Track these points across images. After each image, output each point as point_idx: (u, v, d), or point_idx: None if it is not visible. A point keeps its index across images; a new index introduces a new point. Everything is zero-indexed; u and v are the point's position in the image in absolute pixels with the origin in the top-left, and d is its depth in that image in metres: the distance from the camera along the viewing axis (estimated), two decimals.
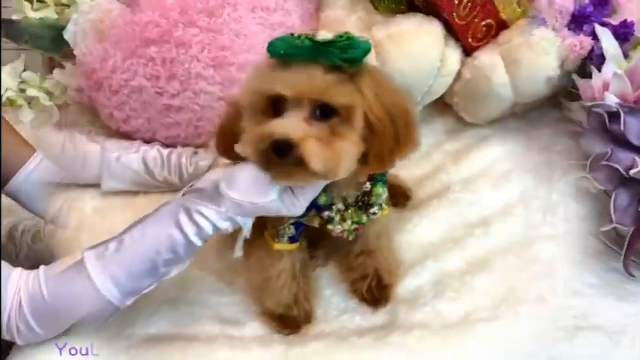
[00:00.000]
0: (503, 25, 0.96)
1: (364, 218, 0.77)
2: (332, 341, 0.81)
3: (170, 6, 0.89)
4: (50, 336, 0.74)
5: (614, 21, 0.91)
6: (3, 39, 0.94)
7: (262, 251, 0.80)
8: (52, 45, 0.95)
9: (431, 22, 0.94)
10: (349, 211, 0.75)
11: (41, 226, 0.97)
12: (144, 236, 0.70)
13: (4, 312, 0.69)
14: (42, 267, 0.72)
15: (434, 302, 0.85)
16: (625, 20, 0.90)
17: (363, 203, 0.76)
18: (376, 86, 0.64)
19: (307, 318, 0.85)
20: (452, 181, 1.00)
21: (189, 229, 0.69)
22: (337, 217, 0.75)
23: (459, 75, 0.98)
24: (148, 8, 0.89)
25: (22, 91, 0.99)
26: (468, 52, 0.98)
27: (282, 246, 0.79)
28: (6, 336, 0.72)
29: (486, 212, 0.96)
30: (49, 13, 0.91)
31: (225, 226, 0.70)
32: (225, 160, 0.87)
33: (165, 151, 0.95)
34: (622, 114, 0.84)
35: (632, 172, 0.83)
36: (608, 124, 0.86)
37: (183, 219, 0.69)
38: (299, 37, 0.61)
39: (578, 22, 0.91)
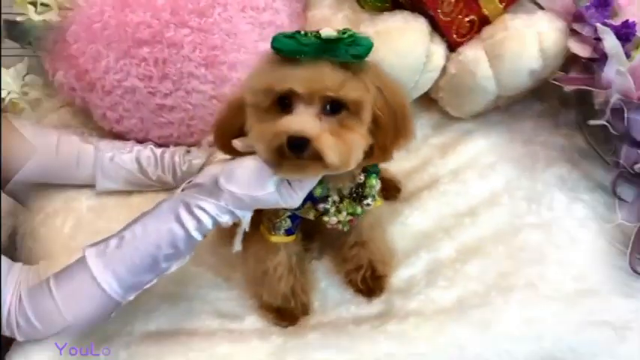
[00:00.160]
0: (485, 21, 0.99)
1: (359, 209, 0.79)
2: (330, 331, 0.84)
3: (161, 7, 0.90)
4: (50, 333, 0.74)
5: (616, 22, 0.93)
6: (6, 41, 0.94)
7: (259, 245, 0.82)
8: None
9: (417, 19, 0.96)
10: (344, 202, 0.77)
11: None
12: (145, 232, 0.71)
13: (4, 306, 0.70)
14: (42, 262, 0.73)
15: (427, 290, 0.88)
16: (627, 21, 0.93)
17: (358, 195, 0.78)
18: (378, 81, 0.67)
19: (304, 310, 0.87)
20: (440, 173, 1.02)
21: (190, 224, 0.70)
22: (333, 209, 0.77)
23: (444, 70, 1.01)
24: (139, 9, 0.90)
25: (25, 94, 0.99)
26: (452, 47, 1.01)
27: (278, 239, 0.81)
28: (6, 331, 0.72)
29: (474, 202, 0.99)
30: (53, 16, 0.92)
31: (225, 219, 0.71)
32: (219, 157, 0.89)
33: (159, 151, 0.96)
34: (626, 111, 0.87)
35: (637, 167, 0.86)
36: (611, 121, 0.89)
37: (184, 214, 0.70)
38: (305, 34, 0.62)
39: (579, 23, 0.95)
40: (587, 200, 0.97)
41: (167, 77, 0.92)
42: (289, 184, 0.69)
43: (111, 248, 0.71)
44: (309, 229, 0.87)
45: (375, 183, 0.78)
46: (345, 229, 0.81)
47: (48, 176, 0.95)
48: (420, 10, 0.97)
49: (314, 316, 0.87)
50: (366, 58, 0.65)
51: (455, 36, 0.99)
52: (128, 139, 0.99)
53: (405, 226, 0.96)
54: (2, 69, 0.98)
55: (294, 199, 0.70)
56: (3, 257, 0.71)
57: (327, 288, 0.90)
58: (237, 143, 0.71)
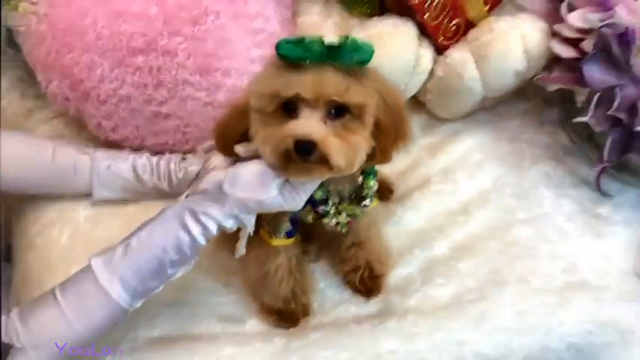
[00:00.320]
0: (470, 24, 1.02)
1: (357, 211, 0.81)
2: (331, 330, 0.85)
3: (154, 16, 0.90)
4: (54, 343, 0.72)
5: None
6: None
7: (259, 248, 0.83)
8: None
9: (405, 24, 0.98)
10: (344, 204, 0.79)
11: None
12: (151, 238, 0.72)
13: (3, 313, 0.70)
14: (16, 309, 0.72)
15: (424, 288, 0.90)
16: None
17: (356, 196, 0.80)
18: (379, 85, 0.69)
19: (305, 311, 0.88)
20: (431, 173, 1.05)
21: (196, 230, 0.71)
22: (332, 211, 0.79)
23: (431, 73, 1.03)
24: (132, 19, 0.90)
25: None
26: (439, 51, 1.03)
27: (279, 241, 0.82)
28: (4, 338, 0.72)
29: (465, 200, 1.02)
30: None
31: (230, 224, 0.72)
32: (214, 164, 0.90)
33: (154, 158, 0.97)
34: (632, 39, 0.88)
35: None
36: (614, 50, 0.90)
37: (189, 220, 0.71)
38: (310, 41, 0.64)
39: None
40: (574, 195, 1.01)
41: (162, 85, 0.92)
42: (292, 186, 0.71)
43: (117, 256, 0.71)
44: (306, 231, 0.89)
45: (373, 184, 0.80)
46: (344, 230, 0.83)
47: (44, 187, 0.95)
48: (407, 14, 0.99)
49: (314, 317, 0.89)
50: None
51: (442, 39, 1.01)
52: (123, 148, 0.99)
53: (400, 226, 0.98)
54: None
55: (297, 201, 0.72)
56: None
57: (326, 289, 0.92)
58: (239, 149, 0.72)
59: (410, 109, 1.14)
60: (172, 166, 0.96)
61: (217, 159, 0.91)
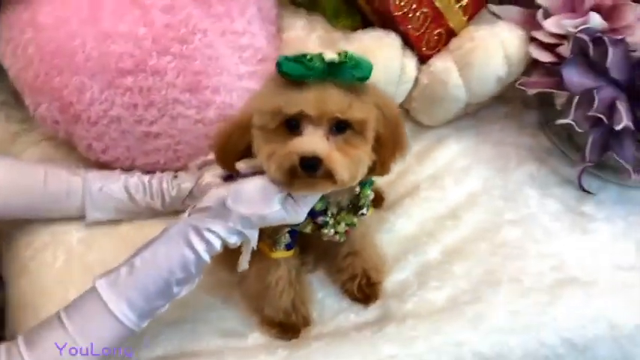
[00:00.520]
0: (452, 33, 1.06)
1: (355, 220, 0.82)
2: (332, 339, 0.86)
3: (142, 36, 0.91)
4: None
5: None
6: None
7: (259, 262, 0.84)
8: None
9: (389, 35, 1.01)
10: (342, 214, 0.81)
11: None
12: (155, 258, 0.72)
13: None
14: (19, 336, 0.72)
15: (420, 292, 0.92)
16: None
17: (354, 206, 0.81)
18: (377, 99, 0.71)
19: (305, 322, 0.89)
20: (419, 179, 1.07)
21: (200, 247, 0.72)
22: (331, 221, 0.80)
23: (416, 82, 1.06)
24: (120, 40, 0.91)
25: None
26: (423, 60, 1.06)
27: (279, 254, 0.83)
28: None
29: (454, 205, 1.04)
30: None
31: (234, 240, 0.73)
32: (207, 180, 0.91)
33: (146, 177, 0.97)
34: (607, 42, 0.92)
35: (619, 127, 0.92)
36: (591, 53, 0.94)
37: (194, 238, 0.72)
38: (311, 58, 0.65)
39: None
40: (558, 195, 1.04)
41: (152, 104, 0.93)
42: (294, 200, 0.72)
43: (122, 277, 0.71)
44: (303, 242, 0.90)
45: (370, 193, 0.81)
46: (342, 239, 0.84)
47: (36, 211, 0.94)
48: (390, 26, 1.02)
49: (315, 327, 0.90)
50: None
51: (425, 49, 1.04)
52: (114, 169, 0.99)
53: (392, 233, 1.00)
54: None
55: (299, 214, 0.73)
56: None
57: (325, 298, 0.93)
58: (241, 166, 0.73)
59: None
60: (165, 184, 0.96)
61: (210, 175, 0.92)
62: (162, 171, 0.99)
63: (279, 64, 0.66)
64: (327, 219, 0.80)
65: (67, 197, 0.93)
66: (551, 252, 0.96)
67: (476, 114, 1.16)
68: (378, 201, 1.02)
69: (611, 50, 0.92)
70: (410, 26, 1.01)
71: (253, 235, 0.74)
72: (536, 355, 0.87)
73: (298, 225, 0.80)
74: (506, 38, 1.01)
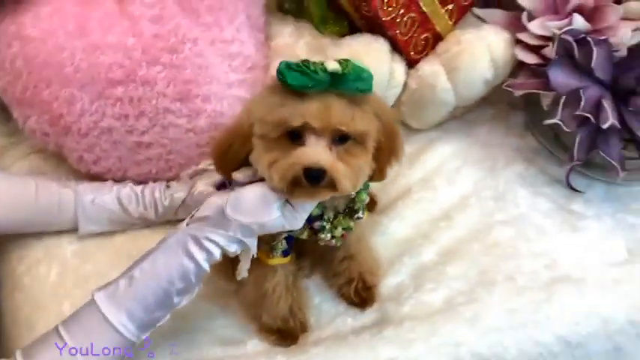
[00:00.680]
0: (438, 37, 1.07)
1: (351, 224, 0.83)
2: (331, 343, 0.86)
3: (132, 46, 0.91)
4: None
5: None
6: None
7: (256, 269, 0.83)
8: None
9: (377, 40, 1.02)
10: (339, 218, 0.81)
11: None
12: (154, 269, 0.72)
13: None
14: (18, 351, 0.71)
15: (417, 294, 0.92)
16: None
17: (349, 210, 0.82)
18: (377, 108, 0.71)
19: (303, 328, 0.89)
20: (411, 182, 1.08)
21: (200, 256, 0.72)
22: (328, 226, 0.81)
23: (405, 86, 1.07)
24: (109, 50, 0.90)
25: None
26: (411, 64, 1.07)
27: (276, 261, 0.83)
28: None
29: (446, 206, 1.05)
30: None
31: (234, 249, 0.73)
32: (199, 189, 0.91)
33: (138, 188, 0.96)
34: (592, 43, 0.94)
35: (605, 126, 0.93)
36: (576, 54, 0.96)
37: (193, 248, 0.71)
38: (314, 69, 0.65)
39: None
40: (548, 194, 1.05)
41: (143, 114, 0.93)
42: (292, 207, 0.72)
43: (121, 289, 0.71)
44: (299, 248, 0.90)
45: (365, 197, 0.82)
46: (338, 244, 0.84)
47: (27, 225, 0.93)
48: (378, 31, 1.03)
49: (313, 333, 0.90)
50: None
51: (413, 53, 1.05)
52: (106, 180, 0.98)
53: (387, 236, 1.00)
54: None
55: (297, 220, 0.73)
56: None
57: (322, 303, 0.93)
58: (238, 175, 0.73)
59: None
60: (157, 194, 0.96)
61: (202, 184, 0.93)
62: (155, 181, 0.99)
63: (281, 74, 0.66)
64: (324, 224, 0.80)
65: (59, 210, 0.92)
66: (544, 250, 0.97)
67: (464, 117, 1.17)
68: (371, 205, 1.03)
69: (595, 50, 0.93)
70: (398, 31, 1.02)
71: (253, 244, 0.74)
72: (531, 353, 0.88)
73: (295, 231, 0.81)
74: (492, 41, 1.03)
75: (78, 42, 0.90)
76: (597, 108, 0.96)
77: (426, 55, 1.07)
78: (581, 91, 0.95)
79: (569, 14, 1.01)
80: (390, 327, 0.88)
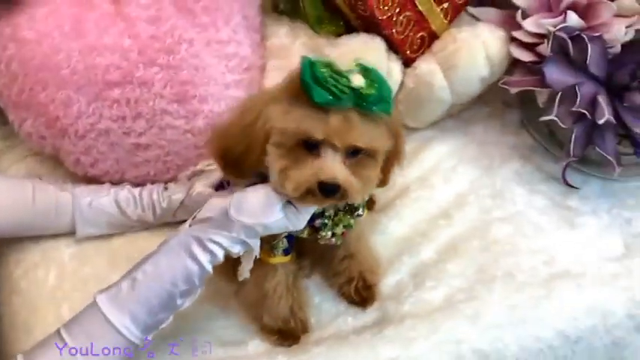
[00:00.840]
0: (434, 36, 1.08)
1: (352, 221, 0.83)
2: (332, 343, 0.86)
3: (128, 47, 0.90)
4: None
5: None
6: None
7: (257, 269, 0.83)
8: None
9: (374, 39, 1.02)
10: (339, 216, 0.81)
11: None
12: (157, 271, 0.71)
13: None
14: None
15: (417, 292, 0.92)
16: None
17: (350, 207, 0.82)
18: (391, 122, 0.72)
19: (304, 328, 0.89)
20: (409, 181, 1.08)
21: (203, 258, 0.72)
22: (329, 223, 0.81)
23: (401, 85, 1.07)
24: (106, 52, 0.90)
25: None
26: (407, 63, 1.07)
27: (277, 259, 0.83)
28: None
29: (444, 204, 1.05)
30: None
31: (237, 250, 0.73)
32: (197, 190, 0.91)
33: (136, 190, 0.96)
34: (586, 39, 0.95)
35: (601, 121, 0.93)
36: (571, 51, 0.97)
37: (197, 249, 0.71)
38: (340, 86, 0.65)
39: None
40: (545, 190, 1.06)
41: (140, 116, 0.92)
42: (295, 207, 0.72)
43: (124, 291, 0.70)
44: (299, 247, 0.90)
45: None
46: (339, 242, 0.84)
47: (24, 229, 0.93)
48: (374, 30, 1.03)
49: (314, 332, 0.90)
50: None
51: (409, 52, 1.06)
52: (103, 183, 0.98)
53: (386, 235, 1.01)
54: None
55: (300, 220, 0.74)
56: None
57: (322, 303, 0.93)
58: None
59: None
60: (155, 196, 0.96)
61: (201, 185, 0.92)
62: (152, 183, 0.98)
63: (306, 85, 0.65)
64: (326, 220, 0.80)
65: (57, 213, 0.92)
66: (542, 247, 0.98)
67: (459, 115, 1.17)
68: (370, 204, 1.03)
69: (590, 47, 0.94)
70: (394, 30, 1.02)
71: (256, 244, 0.74)
72: (531, 349, 0.88)
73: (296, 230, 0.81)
74: (488, 39, 1.03)
75: (74, 44, 0.90)
76: (593, 104, 0.96)
77: (422, 53, 1.07)
78: (576, 87, 0.95)
79: (563, 12, 1.01)
80: (390, 326, 0.88)
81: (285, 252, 0.83)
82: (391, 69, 1.03)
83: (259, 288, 0.85)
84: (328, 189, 0.67)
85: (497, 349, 0.87)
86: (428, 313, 0.89)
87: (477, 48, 1.02)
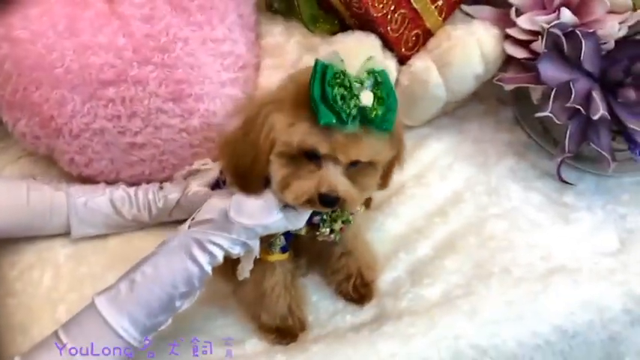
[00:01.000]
0: (429, 34, 1.08)
1: (350, 217, 0.83)
2: (331, 341, 0.86)
3: (123, 46, 0.90)
4: None
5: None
6: None
7: (255, 268, 0.83)
8: None
9: (368, 37, 1.02)
10: (337, 211, 0.81)
11: None
12: (157, 272, 0.71)
13: None
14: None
15: (414, 289, 0.93)
16: None
17: None
18: (394, 131, 0.72)
19: (302, 326, 0.89)
20: (405, 178, 1.08)
21: (203, 259, 0.72)
22: (328, 219, 0.81)
23: (396, 82, 1.07)
24: (100, 51, 0.89)
25: None
26: (402, 61, 1.07)
27: (275, 257, 0.83)
28: None
29: (440, 202, 1.05)
30: None
31: (238, 251, 0.73)
32: (193, 190, 0.90)
33: (132, 190, 0.96)
34: (580, 36, 0.95)
35: (595, 116, 0.94)
36: (565, 47, 0.97)
37: (197, 251, 0.71)
38: (348, 112, 0.65)
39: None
40: (540, 187, 1.06)
41: (135, 115, 0.92)
42: (294, 208, 0.73)
43: (123, 293, 0.70)
44: (297, 245, 0.89)
45: None
46: (337, 238, 0.84)
47: (19, 230, 0.92)
48: (369, 28, 1.03)
49: (312, 330, 0.90)
50: None
51: (404, 49, 1.06)
52: (98, 182, 0.97)
53: (382, 232, 1.01)
54: None
55: (299, 220, 0.75)
56: None
57: (319, 301, 0.93)
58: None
59: None
60: (151, 195, 0.95)
61: (196, 184, 0.92)
62: (148, 182, 0.98)
63: (315, 105, 0.65)
64: (324, 216, 0.81)
65: (51, 213, 0.91)
66: (538, 242, 0.98)
67: (454, 113, 1.18)
68: (366, 201, 1.03)
69: (584, 43, 0.95)
70: (389, 27, 1.02)
71: (256, 245, 0.74)
72: (528, 344, 0.88)
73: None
74: (482, 36, 1.03)
75: (68, 43, 0.89)
76: (587, 100, 0.97)
77: (417, 51, 1.07)
78: (571, 83, 0.96)
79: (557, 9, 1.02)
80: (389, 323, 0.88)
81: (283, 249, 0.83)
82: (386, 67, 1.02)
83: (257, 287, 0.85)
84: (328, 200, 0.68)
85: (495, 345, 0.87)
86: (425, 310, 0.89)
87: (471, 45, 1.02)
